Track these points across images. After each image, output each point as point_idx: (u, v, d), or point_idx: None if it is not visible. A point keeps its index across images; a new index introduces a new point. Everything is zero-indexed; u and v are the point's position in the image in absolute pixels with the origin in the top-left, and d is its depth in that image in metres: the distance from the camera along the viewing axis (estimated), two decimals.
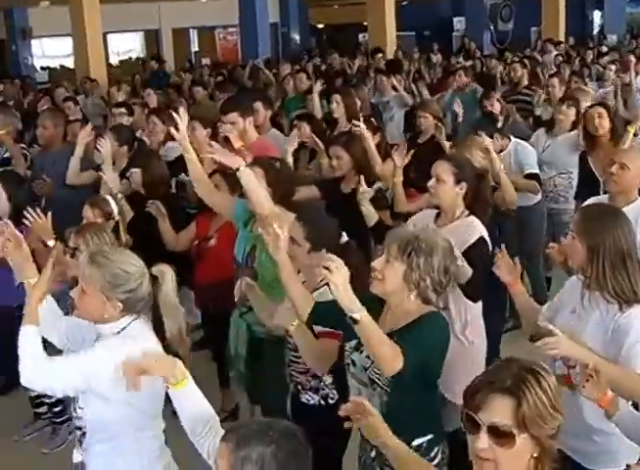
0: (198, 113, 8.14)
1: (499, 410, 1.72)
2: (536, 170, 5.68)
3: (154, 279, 2.67)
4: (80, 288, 2.61)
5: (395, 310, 2.73)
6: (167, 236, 4.65)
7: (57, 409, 4.74)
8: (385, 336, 2.54)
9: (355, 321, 2.46)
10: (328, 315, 2.89)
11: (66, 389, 2.58)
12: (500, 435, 1.72)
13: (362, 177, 4.49)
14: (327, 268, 2.40)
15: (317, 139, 5.64)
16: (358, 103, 6.96)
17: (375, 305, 2.71)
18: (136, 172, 5.01)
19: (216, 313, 4.53)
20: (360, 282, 2.63)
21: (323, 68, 13.49)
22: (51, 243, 3.79)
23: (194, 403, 2.33)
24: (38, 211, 3.87)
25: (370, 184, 4.63)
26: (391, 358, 2.52)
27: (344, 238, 3.35)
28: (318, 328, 3.06)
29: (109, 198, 4.34)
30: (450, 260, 2.71)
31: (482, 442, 1.73)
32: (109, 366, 2.43)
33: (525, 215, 5.68)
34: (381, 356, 2.53)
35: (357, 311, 2.45)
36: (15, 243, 2.85)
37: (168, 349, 2.70)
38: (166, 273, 2.69)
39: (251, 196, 3.72)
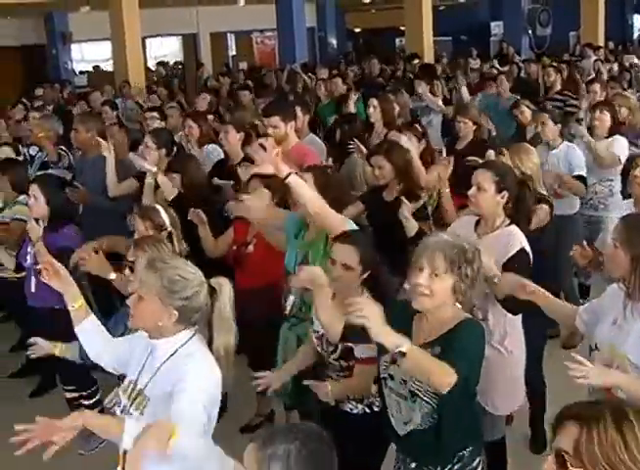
0: (242, 117, 8.20)
1: (565, 436, 1.66)
2: (584, 173, 5.69)
3: (211, 291, 2.61)
4: (137, 295, 2.56)
5: (431, 319, 2.71)
6: (207, 243, 4.66)
7: (96, 411, 4.78)
8: (431, 357, 2.52)
9: (403, 354, 2.43)
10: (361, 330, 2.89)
11: (201, 425, 2.42)
12: (559, 461, 1.66)
13: (404, 200, 4.43)
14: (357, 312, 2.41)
15: (360, 145, 5.63)
16: (397, 108, 6.95)
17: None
18: (174, 177, 5.03)
19: (253, 319, 4.51)
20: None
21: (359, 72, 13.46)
22: (112, 276, 3.79)
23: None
24: (89, 250, 3.84)
25: (412, 193, 4.63)
26: (445, 376, 2.49)
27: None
28: (357, 350, 3.05)
29: (159, 207, 4.24)
30: (480, 263, 2.73)
31: (548, 464, 1.67)
32: (204, 390, 2.41)
33: (564, 224, 5.63)
34: (434, 378, 2.52)
35: (402, 344, 2.43)
36: (52, 271, 2.85)
37: None
38: (225, 286, 2.62)
39: (304, 200, 3.58)
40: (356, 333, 2.90)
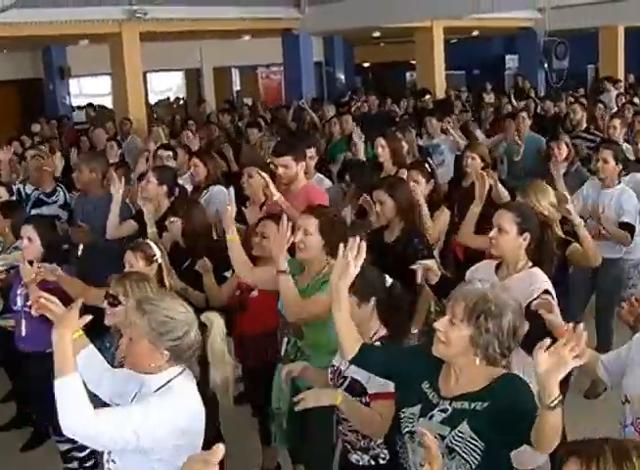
0: (252, 157, 8.28)
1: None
2: (633, 221, 5.67)
3: (202, 327, 2.69)
4: (128, 337, 2.65)
5: (461, 374, 2.69)
6: (212, 292, 4.70)
7: (88, 464, 4.75)
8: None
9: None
10: (375, 359, 2.93)
11: (111, 442, 2.55)
12: None
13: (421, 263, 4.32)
14: None
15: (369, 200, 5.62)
16: (405, 147, 7.01)
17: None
18: (176, 222, 5.05)
19: (257, 366, 4.54)
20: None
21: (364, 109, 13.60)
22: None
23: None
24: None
25: (412, 234, 4.66)
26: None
27: (388, 280, 3.41)
28: (370, 388, 3.06)
29: (150, 242, 4.45)
30: (519, 322, 2.66)
31: None
32: (161, 423, 2.46)
33: (604, 267, 5.63)
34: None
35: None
36: (44, 303, 2.91)
37: (209, 406, 2.69)
38: (215, 320, 2.71)
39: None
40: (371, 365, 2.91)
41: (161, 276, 4.19)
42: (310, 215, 3.90)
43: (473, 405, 2.57)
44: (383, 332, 3.35)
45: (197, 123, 12.30)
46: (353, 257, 2.85)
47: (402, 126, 8.38)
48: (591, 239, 4.63)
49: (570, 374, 2.50)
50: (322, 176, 6.79)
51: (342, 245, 2.94)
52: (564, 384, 2.47)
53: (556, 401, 2.31)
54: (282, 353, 3.99)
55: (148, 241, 4.48)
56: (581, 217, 5.70)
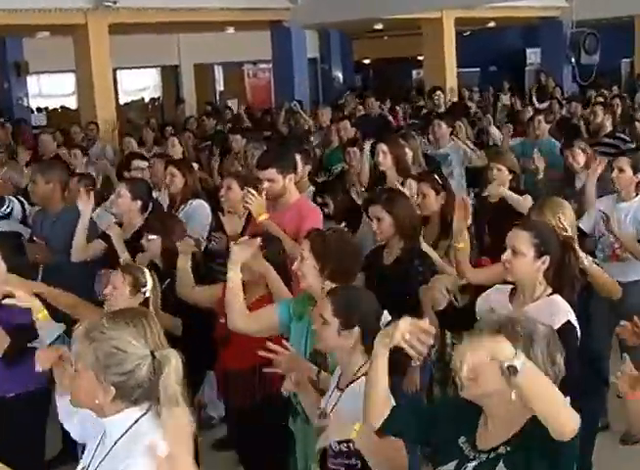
0: (231, 167, 8.35)
1: None
2: None
3: (158, 364, 2.66)
4: (74, 368, 2.69)
5: (496, 419, 2.67)
6: (183, 280, 4.75)
7: None
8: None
9: (515, 371, 2.38)
10: (408, 425, 2.91)
11: None
12: None
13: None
14: None
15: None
16: (410, 153, 7.08)
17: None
18: (154, 240, 5.12)
19: (244, 407, 4.59)
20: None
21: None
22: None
23: None
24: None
25: (414, 254, 4.73)
26: (568, 418, 2.49)
27: (387, 317, 3.42)
28: None
29: (144, 269, 4.46)
30: (556, 349, 2.66)
31: None
32: None
33: (625, 292, 5.69)
34: (561, 416, 2.47)
35: (516, 358, 2.38)
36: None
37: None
38: (171, 359, 2.65)
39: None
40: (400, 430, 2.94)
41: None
42: (304, 239, 3.99)
43: (508, 448, 2.61)
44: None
45: (176, 128, 12.37)
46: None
47: (405, 132, 8.42)
48: (604, 275, 4.60)
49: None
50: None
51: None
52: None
53: (517, 362, 2.36)
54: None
55: (142, 267, 4.50)
56: (593, 236, 5.84)
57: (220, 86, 22.29)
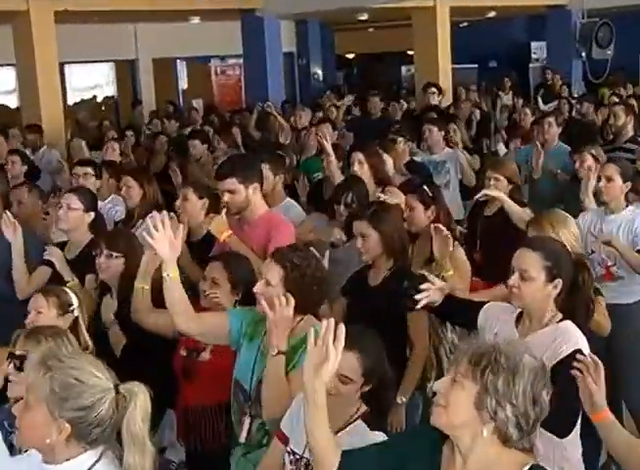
0: (195, 176, 8.37)
1: None
2: None
3: (121, 399, 2.66)
4: (24, 401, 2.65)
5: (469, 460, 2.69)
6: (139, 301, 4.70)
7: None
8: None
9: None
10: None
11: None
12: None
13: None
14: None
15: None
16: (389, 161, 7.11)
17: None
18: (117, 259, 5.13)
19: (208, 450, 4.60)
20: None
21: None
22: None
23: None
24: None
25: (402, 274, 4.77)
26: None
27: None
28: None
29: (66, 288, 4.56)
30: (541, 386, 2.69)
31: None
32: None
33: (622, 314, 5.75)
34: None
35: None
36: None
37: None
38: (138, 394, 2.67)
39: None
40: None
41: (77, 332, 4.27)
42: (273, 262, 3.98)
43: None
44: (363, 408, 3.49)
45: (136, 131, 12.37)
46: (330, 342, 2.85)
47: (392, 138, 8.40)
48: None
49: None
50: (293, 202, 6.91)
51: (312, 329, 2.97)
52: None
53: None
54: (242, 437, 4.05)
55: (64, 287, 4.59)
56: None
57: (183, 84, 22.30)
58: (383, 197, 5.87)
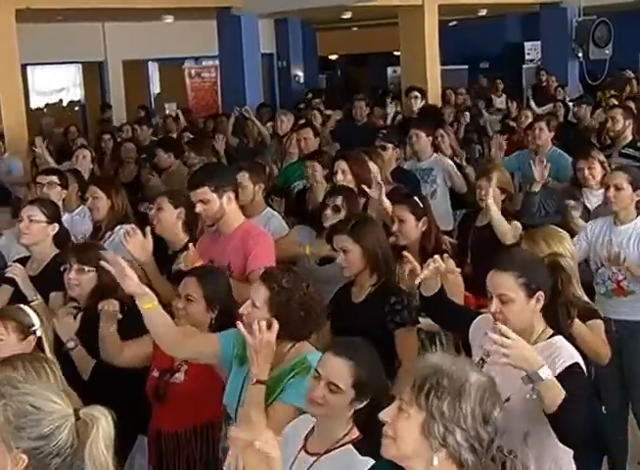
0: (168, 185, 8.36)
1: None
2: None
3: (82, 425, 2.61)
4: None
5: None
6: (107, 344, 4.76)
7: None
8: None
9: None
10: None
11: None
12: None
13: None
14: None
15: None
16: (375, 169, 7.13)
17: None
18: (89, 274, 5.15)
19: None
20: None
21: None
22: None
23: None
24: None
25: (388, 291, 4.79)
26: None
27: None
28: None
29: (25, 308, 4.54)
30: (491, 404, 2.70)
31: None
32: None
33: (634, 331, 5.84)
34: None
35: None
36: None
37: None
38: (100, 419, 2.61)
39: None
40: None
41: (42, 351, 4.28)
42: (260, 282, 4.02)
43: None
44: (356, 433, 3.48)
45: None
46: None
47: (380, 145, 8.41)
48: (589, 334, 4.62)
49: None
50: (273, 212, 6.91)
51: None
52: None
53: None
54: (225, 466, 4.03)
55: (23, 306, 4.57)
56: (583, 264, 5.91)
57: (156, 88, 22.29)
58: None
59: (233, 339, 4.14)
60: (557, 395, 3.52)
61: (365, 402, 3.46)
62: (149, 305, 4.10)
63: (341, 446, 3.44)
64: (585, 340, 4.53)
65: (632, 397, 5.98)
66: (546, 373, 3.46)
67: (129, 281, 4.07)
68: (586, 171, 7.17)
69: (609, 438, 5.56)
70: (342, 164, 6.78)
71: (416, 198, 5.85)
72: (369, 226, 5.22)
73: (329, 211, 6.00)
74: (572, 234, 5.69)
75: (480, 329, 4.09)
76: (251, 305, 3.98)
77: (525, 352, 3.49)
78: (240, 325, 3.87)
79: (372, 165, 7.13)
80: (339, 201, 6.06)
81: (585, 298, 4.82)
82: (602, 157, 7.35)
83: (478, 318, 4.24)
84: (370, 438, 3.45)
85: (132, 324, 4.82)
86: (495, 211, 6.25)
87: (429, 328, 5.13)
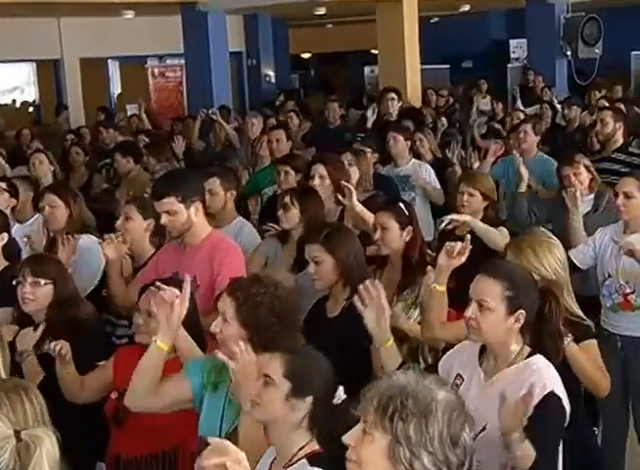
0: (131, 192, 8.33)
1: None
2: None
3: (24, 447, 2.62)
4: None
5: None
6: (67, 384, 4.75)
7: None
8: None
9: None
10: None
11: None
12: None
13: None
14: None
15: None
16: (356, 175, 7.13)
17: None
18: (45, 287, 5.11)
19: None
20: None
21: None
22: None
23: None
24: None
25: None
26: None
27: (341, 396, 3.48)
28: None
29: None
30: (459, 425, 2.71)
31: None
32: None
33: (634, 349, 5.84)
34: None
35: None
36: None
37: None
38: (44, 440, 2.63)
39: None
40: None
41: None
42: (226, 294, 4.01)
43: None
44: (314, 447, 3.43)
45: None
46: None
47: (353, 149, 8.40)
48: (586, 361, 4.60)
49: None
50: (245, 221, 6.92)
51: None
52: None
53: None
54: None
55: None
56: (579, 270, 5.94)
57: (116, 88, 22.24)
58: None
59: (200, 369, 4.11)
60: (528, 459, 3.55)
61: (307, 401, 3.41)
62: (165, 346, 4.04)
63: (297, 461, 3.38)
64: (583, 369, 4.53)
65: (636, 421, 5.98)
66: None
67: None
68: (573, 178, 7.15)
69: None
70: (321, 169, 6.77)
71: (401, 205, 5.82)
72: (343, 236, 5.20)
73: (280, 211, 6.02)
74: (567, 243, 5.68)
75: (451, 365, 4.07)
76: (222, 321, 3.96)
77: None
78: (219, 353, 3.82)
79: (354, 170, 7.14)
80: (287, 198, 6.07)
81: (578, 311, 4.77)
82: (587, 161, 7.33)
83: (444, 358, 4.20)
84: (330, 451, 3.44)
85: (89, 347, 4.85)
86: (481, 227, 6.24)
87: (413, 334, 5.07)
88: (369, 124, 12.35)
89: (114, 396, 4.69)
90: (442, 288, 4.74)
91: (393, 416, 2.64)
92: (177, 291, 4.07)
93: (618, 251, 5.75)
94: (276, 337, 3.94)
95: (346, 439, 2.71)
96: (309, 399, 3.43)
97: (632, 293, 5.81)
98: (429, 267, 5.42)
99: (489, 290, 3.87)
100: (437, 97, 16.06)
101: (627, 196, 5.90)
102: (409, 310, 5.26)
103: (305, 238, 5.37)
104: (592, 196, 7.03)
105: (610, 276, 5.90)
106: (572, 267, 5.75)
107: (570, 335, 4.46)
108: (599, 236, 6.08)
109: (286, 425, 3.43)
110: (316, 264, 5.06)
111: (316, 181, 6.72)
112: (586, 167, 7.20)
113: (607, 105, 11.43)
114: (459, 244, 4.65)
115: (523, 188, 7.64)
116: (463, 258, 4.68)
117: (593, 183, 7.13)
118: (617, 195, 6.02)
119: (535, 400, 3.63)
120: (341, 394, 3.48)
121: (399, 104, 12.70)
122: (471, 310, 3.88)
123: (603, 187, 7.22)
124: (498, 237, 6.12)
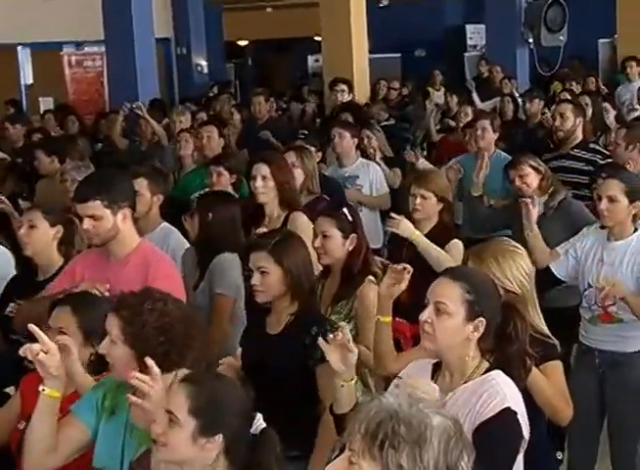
0: (43, 195, 8.32)
1: None
2: None
3: None
4: None
5: None
6: None
7: None
8: None
9: None
10: None
11: None
12: None
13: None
14: None
15: None
16: (301, 178, 7.15)
17: None
18: None
19: None
20: None
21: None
22: None
23: None
24: None
25: (309, 320, 4.85)
26: None
27: (260, 423, 3.50)
28: None
29: None
30: (457, 453, 2.69)
31: None
32: None
33: (618, 364, 5.91)
34: None
35: None
36: None
37: None
38: None
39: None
40: None
41: None
42: (112, 314, 4.02)
43: None
44: None
45: None
46: None
47: (298, 147, 8.42)
48: (549, 388, 4.64)
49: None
50: (171, 227, 6.92)
51: None
52: None
53: None
54: None
55: None
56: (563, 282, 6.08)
57: (28, 78, 22.10)
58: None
59: (93, 401, 4.12)
60: None
61: (217, 439, 3.40)
62: (56, 392, 3.97)
63: None
64: (543, 393, 4.57)
65: (613, 444, 6.02)
66: None
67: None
68: (517, 181, 7.24)
69: None
70: (263, 169, 6.79)
71: (345, 210, 5.85)
72: (294, 245, 5.18)
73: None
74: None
75: (412, 371, 4.11)
76: (109, 342, 3.97)
77: None
78: (132, 397, 3.78)
79: (299, 172, 7.17)
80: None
81: (544, 328, 4.78)
82: (533, 161, 7.35)
83: (402, 372, 4.19)
84: None
85: None
86: (425, 244, 6.32)
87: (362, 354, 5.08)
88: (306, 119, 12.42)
89: (21, 426, 4.67)
90: (387, 318, 4.83)
91: (384, 444, 2.61)
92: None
93: (600, 259, 5.86)
94: (164, 357, 3.94)
95: (332, 468, 2.70)
96: (219, 437, 3.42)
97: (613, 305, 5.86)
98: (368, 277, 5.50)
99: (448, 292, 3.90)
100: (389, 90, 16.09)
101: (612, 200, 5.93)
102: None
103: (251, 246, 5.34)
104: (544, 198, 7.12)
105: (590, 286, 5.96)
106: (555, 281, 5.86)
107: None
108: (580, 244, 6.14)
109: (198, 466, 3.44)
110: (262, 275, 5.02)
111: (258, 182, 6.74)
112: (534, 168, 7.27)
113: (568, 97, 11.46)
114: (401, 266, 4.74)
115: (476, 192, 7.70)
116: (403, 286, 4.76)
117: (544, 183, 7.20)
118: (600, 199, 6.03)
119: (489, 414, 3.71)
120: (259, 422, 3.48)
121: (349, 97, 12.77)
122: (427, 314, 3.90)
123: (558, 186, 7.33)
124: (442, 256, 6.16)
